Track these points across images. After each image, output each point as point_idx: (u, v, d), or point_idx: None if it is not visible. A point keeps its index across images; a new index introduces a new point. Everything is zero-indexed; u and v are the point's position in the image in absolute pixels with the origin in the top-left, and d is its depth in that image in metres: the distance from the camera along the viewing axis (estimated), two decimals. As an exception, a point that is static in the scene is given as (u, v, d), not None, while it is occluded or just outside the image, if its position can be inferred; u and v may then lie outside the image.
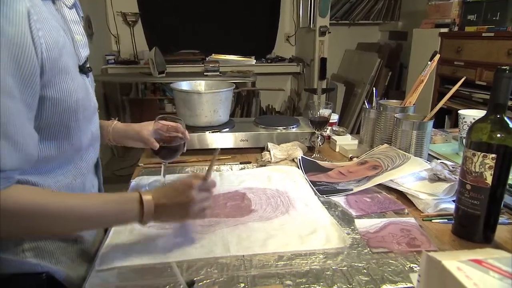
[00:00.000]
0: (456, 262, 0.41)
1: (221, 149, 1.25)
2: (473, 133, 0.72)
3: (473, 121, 1.06)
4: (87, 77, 0.72)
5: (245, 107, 3.61)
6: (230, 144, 1.25)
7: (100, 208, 0.62)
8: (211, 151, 1.24)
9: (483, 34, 2.27)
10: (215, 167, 1.13)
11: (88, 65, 0.72)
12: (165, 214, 0.67)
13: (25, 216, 0.55)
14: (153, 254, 0.70)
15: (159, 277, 0.63)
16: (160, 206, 0.66)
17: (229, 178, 1.05)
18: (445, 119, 2.59)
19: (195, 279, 0.62)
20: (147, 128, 0.90)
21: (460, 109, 1.27)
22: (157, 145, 0.88)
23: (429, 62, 1.12)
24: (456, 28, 2.54)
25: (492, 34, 2.22)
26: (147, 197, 0.65)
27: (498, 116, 0.70)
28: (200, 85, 1.38)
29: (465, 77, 1.15)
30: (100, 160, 0.83)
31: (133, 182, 1.02)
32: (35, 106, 0.58)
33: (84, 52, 0.70)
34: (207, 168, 0.73)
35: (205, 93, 1.26)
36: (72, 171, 0.70)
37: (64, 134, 0.64)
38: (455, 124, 1.48)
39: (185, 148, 0.92)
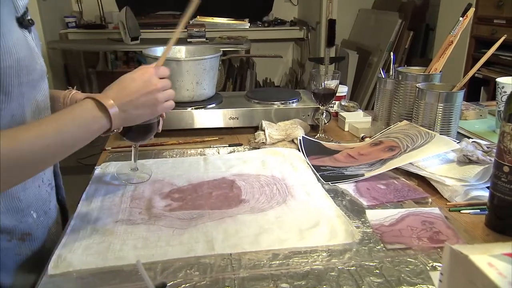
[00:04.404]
0: (487, 257, 0.40)
1: (206, 129, 1.26)
2: None
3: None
4: (29, 32, 0.69)
5: (238, 80, 3.58)
6: (217, 123, 1.24)
7: (58, 131, 0.64)
8: (194, 131, 1.23)
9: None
10: (190, 150, 1.12)
11: (29, 17, 0.69)
12: (132, 112, 0.72)
13: None
14: (120, 254, 0.69)
15: (127, 282, 0.63)
16: (125, 105, 0.71)
17: (215, 163, 1.04)
18: (481, 91, 2.58)
19: (169, 283, 0.62)
20: None
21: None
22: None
23: (460, 18, 1.10)
24: (497, -24, 2.50)
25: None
26: (111, 107, 0.68)
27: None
28: (180, 51, 1.36)
29: (505, 35, 1.13)
30: None
31: (98, 169, 1.01)
32: None
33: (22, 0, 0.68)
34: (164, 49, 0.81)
35: (185, 60, 1.24)
36: None
37: (2, 103, 0.63)
38: (493, 97, 1.47)
39: (161, 127, 0.90)
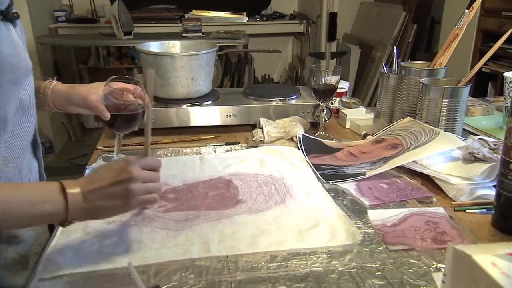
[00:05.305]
0: (491, 257, 0.41)
1: (202, 127, 1.26)
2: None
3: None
4: (14, 27, 0.69)
5: (235, 77, 3.58)
6: (213, 121, 1.24)
7: (7, 200, 0.58)
8: (189, 129, 1.23)
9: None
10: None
11: (13, 10, 0.69)
12: (98, 203, 0.64)
13: None
14: (112, 256, 0.69)
15: (119, 285, 0.63)
16: (90, 193, 0.63)
17: (212, 162, 1.05)
18: (488, 86, 2.59)
19: (163, 286, 0.62)
20: (96, 92, 0.89)
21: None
22: (108, 115, 0.87)
23: (466, 11, 1.10)
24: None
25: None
26: (72, 190, 0.62)
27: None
28: (175, 46, 1.36)
29: (513, 28, 1.13)
30: (38, 136, 0.82)
31: (89, 169, 1.01)
32: None
33: None
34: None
35: (180, 56, 1.24)
36: (2, 153, 0.69)
37: None
38: (501, 92, 1.47)
39: (146, 117, 0.91)
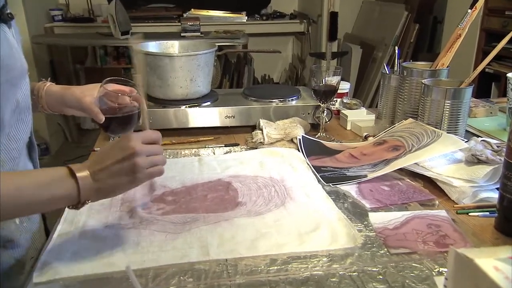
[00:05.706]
0: (493, 260, 0.41)
1: (201, 128, 1.26)
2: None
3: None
4: (9, 27, 0.70)
5: (234, 77, 3.59)
6: (212, 122, 1.24)
7: (18, 187, 0.60)
8: (188, 131, 1.23)
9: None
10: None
11: (8, 11, 0.69)
12: (107, 181, 0.66)
13: None
14: (110, 260, 0.69)
15: (117, 289, 0.63)
16: (98, 173, 0.65)
17: (211, 164, 1.05)
18: (492, 87, 2.59)
19: (162, 290, 0.62)
20: (91, 94, 0.88)
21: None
22: (102, 117, 0.86)
23: (469, 10, 1.11)
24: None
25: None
26: (81, 173, 0.64)
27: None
28: (173, 46, 1.37)
29: (515, 29, 1.14)
30: (34, 138, 0.82)
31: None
32: None
33: None
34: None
35: (178, 56, 1.24)
36: None
37: None
38: (504, 93, 1.47)
39: (141, 120, 0.91)
